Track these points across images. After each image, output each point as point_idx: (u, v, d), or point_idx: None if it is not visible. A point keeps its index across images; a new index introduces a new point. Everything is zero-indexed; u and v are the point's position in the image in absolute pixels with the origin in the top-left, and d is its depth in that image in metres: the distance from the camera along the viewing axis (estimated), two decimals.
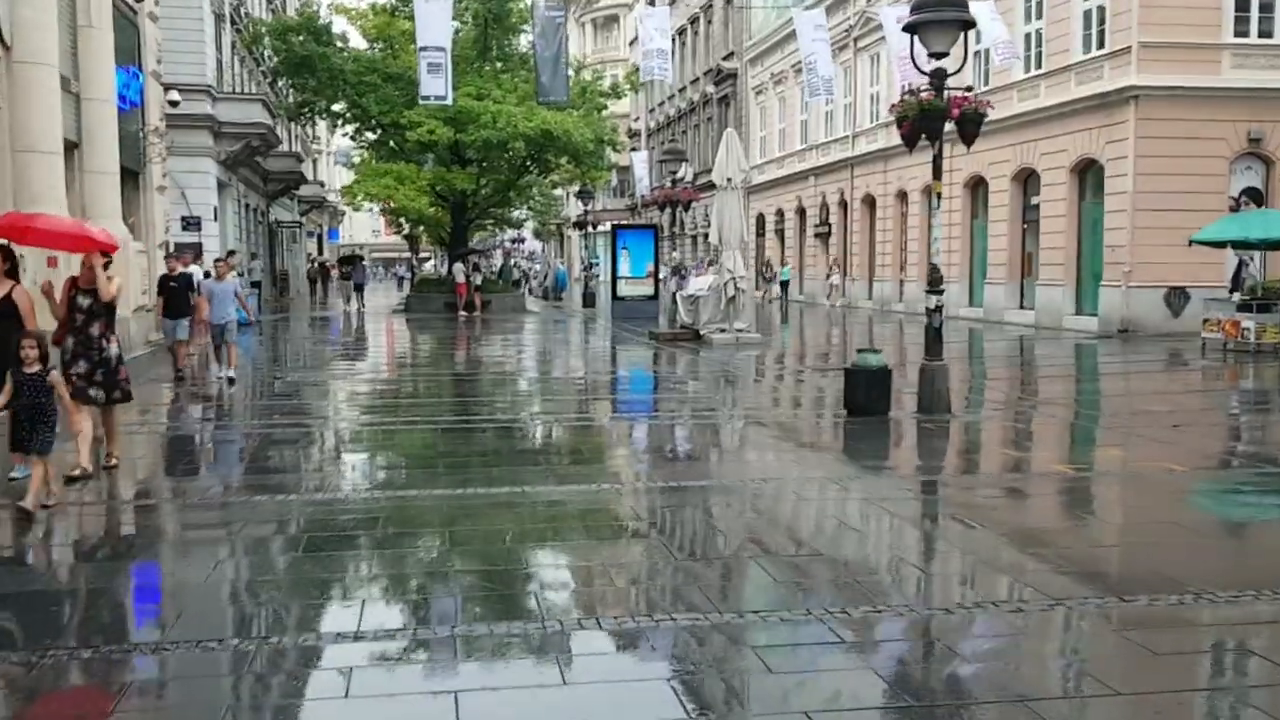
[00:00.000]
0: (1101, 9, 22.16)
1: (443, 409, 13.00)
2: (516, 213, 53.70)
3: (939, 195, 11.33)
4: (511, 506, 7.18)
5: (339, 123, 35.53)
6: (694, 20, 49.41)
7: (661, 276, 31.86)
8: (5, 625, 4.96)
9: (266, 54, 35.74)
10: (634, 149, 54.07)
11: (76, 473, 7.68)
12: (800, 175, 38.65)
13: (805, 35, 27.95)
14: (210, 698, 4.19)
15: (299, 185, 43.81)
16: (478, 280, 32.87)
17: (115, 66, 17.13)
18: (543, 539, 6.61)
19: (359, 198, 36.07)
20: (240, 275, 20.51)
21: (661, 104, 54.85)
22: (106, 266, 8.39)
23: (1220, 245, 18.84)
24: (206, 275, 16.76)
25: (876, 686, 4.22)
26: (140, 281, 17.72)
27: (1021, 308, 25.18)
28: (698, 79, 48.81)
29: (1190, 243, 18.33)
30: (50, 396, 7.08)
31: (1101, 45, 22.15)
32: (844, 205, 35.20)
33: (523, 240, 69.22)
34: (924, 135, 10.97)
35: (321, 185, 59.50)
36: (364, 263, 44.52)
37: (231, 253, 21.97)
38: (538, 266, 60.79)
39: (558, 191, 56.33)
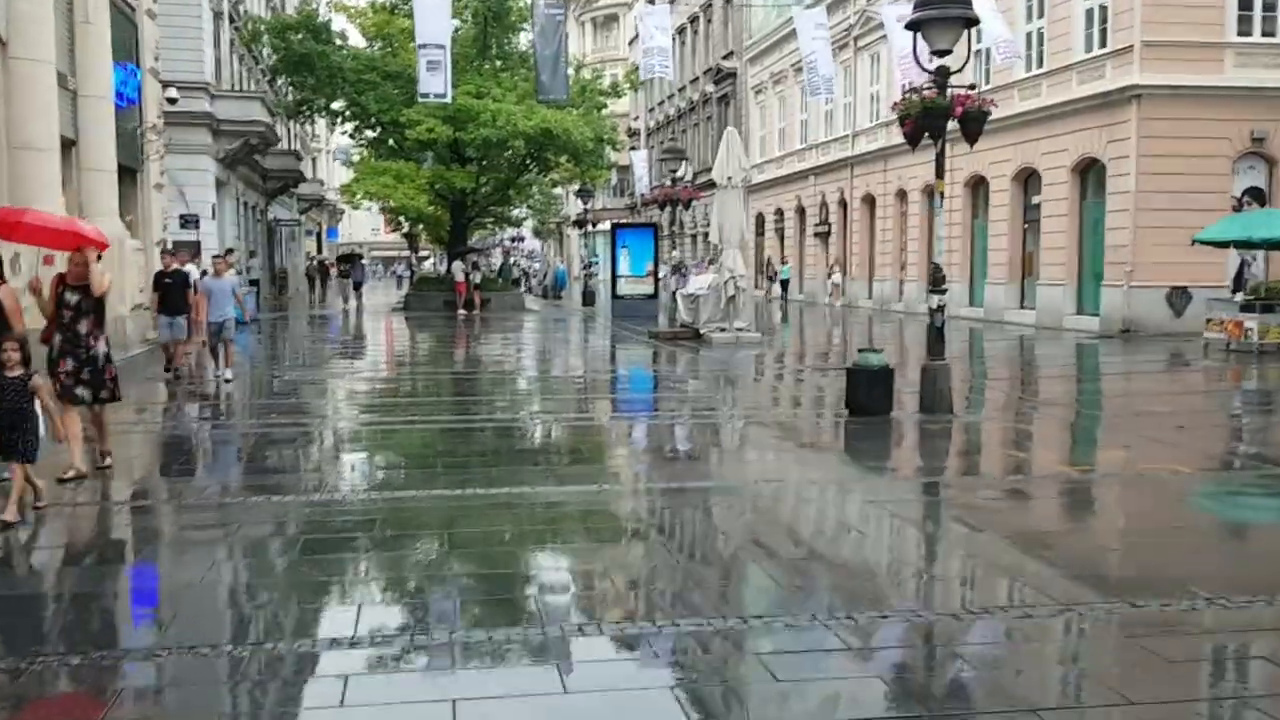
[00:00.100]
0: (1103, 8, 22.06)
1: (441, 408, 12.92)
2: (516, 211, 53.60)
3: (942, 194, 11.24)
4: (511, 507, 7.09)
5: (338, 121, 35.41)
6: (694, 19, 49.30)
7: (661, 275, 31.77)
8: None
9: (265, 51, 35.67)
10: (634, 148, 54.01)
11: (70, 474, 7.58)
12: (800, 174, 38.56)
13: (805, 34, 27.89)
14: (203, 706, 4.10)
15: (298, 183, 43.75)
16: (477, 279, 32.73)
17: (113, 63, 17.07)
18: (542, 541, 6.53)
19: (358, 196, 35.98)
20: (239, 273, 20.43)
21: (661, 103, 54.76)
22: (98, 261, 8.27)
23: (1223, 245, 18.78)
24: (204, 274, 16.67)
25: (884, 695, 4.13)
26: (138, 280, 17.64)
27: (1022, 307, 25.09)
28: (697, 78, 48.71)
29: (1193, 242, 18.28)
30: (32, 401, 6.83)
31: (1103, 44, 22.06)
32: (844, 205, 35.13)
33: (522, 239, 69.06)
34: (926, 134, 10.89)
35: (320, 183, 59.40)
36: (363, 261, 44.41)
37: (230, 250, 21.88)
38: (537, 265, 60.70)
39: (557, 190, 56.30)
